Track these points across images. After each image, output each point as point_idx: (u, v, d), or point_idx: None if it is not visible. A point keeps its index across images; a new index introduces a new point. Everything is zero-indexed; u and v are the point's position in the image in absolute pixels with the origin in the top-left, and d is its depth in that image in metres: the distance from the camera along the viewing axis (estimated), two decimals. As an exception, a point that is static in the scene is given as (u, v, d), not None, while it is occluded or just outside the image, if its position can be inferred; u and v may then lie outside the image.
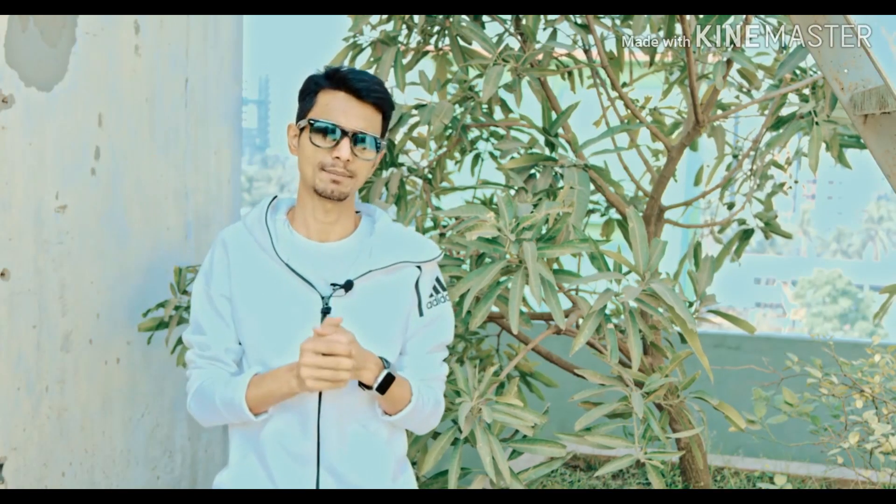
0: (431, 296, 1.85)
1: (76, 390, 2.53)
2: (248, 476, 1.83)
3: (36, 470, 2.38)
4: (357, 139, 1.74)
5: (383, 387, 1.72)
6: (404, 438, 1.94)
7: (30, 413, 2.35)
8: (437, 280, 1.88)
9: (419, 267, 1.84)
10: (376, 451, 1.84)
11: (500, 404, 2.27)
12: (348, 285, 1.75)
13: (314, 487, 1.80)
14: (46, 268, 2.38)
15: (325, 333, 1.64)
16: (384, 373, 1.72)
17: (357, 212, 1.90)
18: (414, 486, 1.96)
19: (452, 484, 2.28)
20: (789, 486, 2.73)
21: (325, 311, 1.77)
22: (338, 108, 1.74)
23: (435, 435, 2.36)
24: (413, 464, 2.63)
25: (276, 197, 1.89)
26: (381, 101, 1.77)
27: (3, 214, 2.21)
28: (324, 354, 1.63)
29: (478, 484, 2.35)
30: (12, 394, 2.28)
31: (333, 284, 1.77)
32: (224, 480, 1.86)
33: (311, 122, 1.75)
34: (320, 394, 1.78)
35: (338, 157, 1.73)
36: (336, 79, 1.76)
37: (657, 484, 2.29)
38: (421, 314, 1.83)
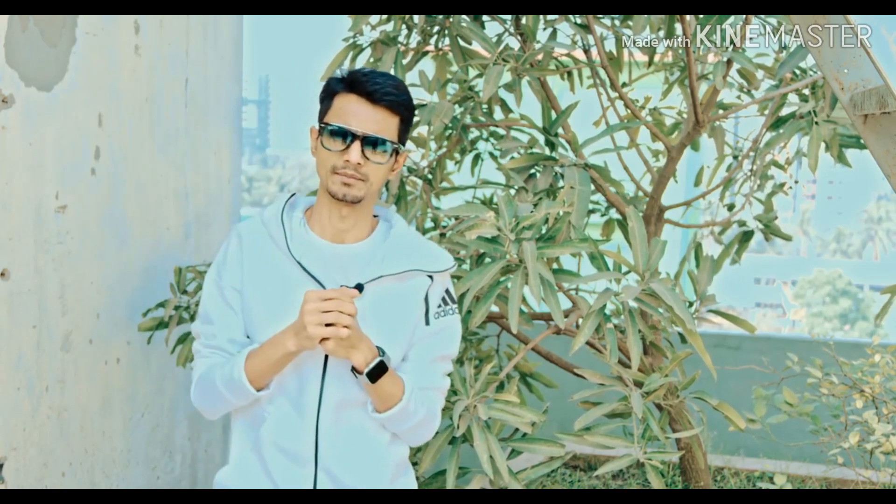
0: (440, 306, 1.85)
1: (76, 390, 2.53)
2: (247, 474, 1.83)
3: (36, 470, 2.38)
4: (368, 142, 1.74)
5: (374, 375, 1.71)
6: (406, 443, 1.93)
7: (30, 413, 2.35)
8: (448, 292, 1.87)
9: (430, 276, 1.83)
10: (375, 454, 1.84)
11: (497, 402, 2.27)
12: (359, 288, 1.75)
13: (311, 487, 1.80)
14: (46, 268, 2.38)
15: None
16: (377, 360, 1.71)
17: (375, 216, 1.90)
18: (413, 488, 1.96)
19: (451, 483, 2.28)
20: (789, 486, 2.73)
21: None
22: (350, 111, 1.74)
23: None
24: (413, 464, 2.64)
25: (293, 194, 1.90)
26: (395, 105, 1.76)
27: (3, 214, 2.21)
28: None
29: (476, 483, 2.35)
30: (12, 394, 2.28)
31: (343, 286, 1.77)
32: (225, 478, 1.87)
33: (323, 126, 1.76)
34: (321, 390, 1.78)
35: (348, 161, 1.73)
36: (349, 82, 1.76)
37: (657, 484, 2.29)
38: (427, 323, 1.83)
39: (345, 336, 1.65)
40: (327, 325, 1.65)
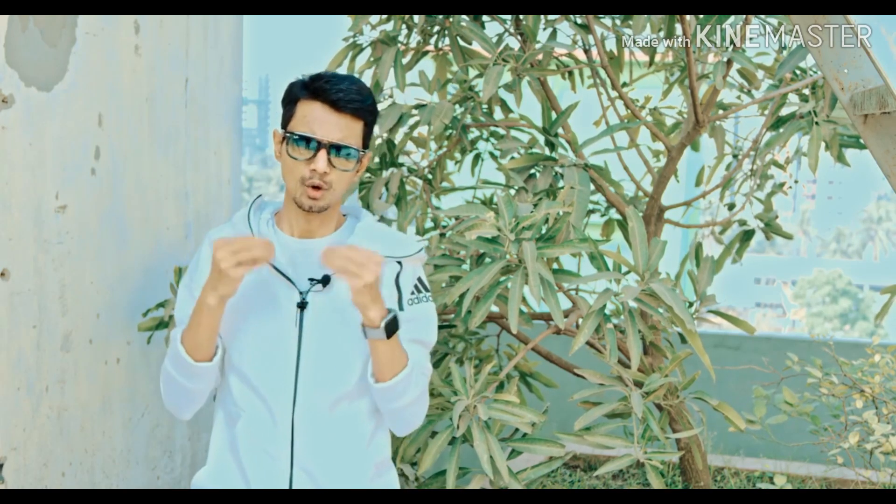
0: (413, 293, 1.85)
1: (76, 390, 2.53)
2: (223, 474, 1.84)
3: (36, 470, 2.38)
4: (334, 150, 1.74)
5: (391, 330, 1.69)
6: (387, 439, 1.91)
7: (30, 413, 2.35)
8: (420, 280, 1.87)
9: (399, 263, 1.84)
10: (354, 452, 1.83)
11: (497, 402, 2.27)
12: (325, 280, 1.77)
13: (287, 486, 1.79)
14: (46, 268, 2.38)
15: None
16: (391, 314, 1.70)
17: (345, 214, 1.92)
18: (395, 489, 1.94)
19: (451, 483, 2.28)
20: (789, 486, 2.73)
21: (302, 306, 1.77)
22: (315, 118, 1.74)
23: (433, 434, 2.36)
24: (413, 464, 2.64)
25: (260, 196, 1.90)
26: (359, 111, 1.76)
27: (3, 214, 2.21)
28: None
29: (476, 483, 2.35)
30: (12, 394, 2.28)
31: (311, 279, 1.78)
32: (201, 479, 1.88)
33: (288, 134, 1.76)
34: (295, 386, 1.77)
35: (314, 169, 1.73)
36: (313, 89, 1.75)
37: (657, 484, 2.29)
38: (401, 309, 1.83)
39: (255, 256, 1.63)
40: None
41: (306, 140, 1.73)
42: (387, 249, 1.82)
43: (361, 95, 1.76)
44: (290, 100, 1.79)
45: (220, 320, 1.73)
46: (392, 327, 1.70)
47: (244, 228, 1.83)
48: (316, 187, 1.74)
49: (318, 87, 1.75)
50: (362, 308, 1.67)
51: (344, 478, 1.81)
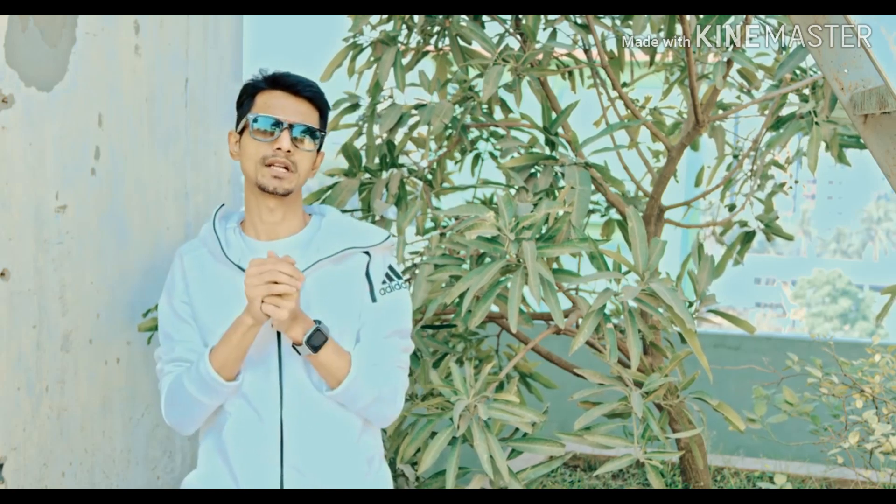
0: (384, 282, 1.86)
1: (76, 390, 2.53)
2: (212, 476, 1.84)
3: (36, 470, 2.38)
4: (296, 130, 1.80)
5: (313, 342, 1.72)
6: (378, 434, 1.92)
7: (30, 413, 2.35)
8: (391, 268, 1.89)
9: (368, 253, 1.85)
10: (344, 448, 1.83)
11: (497, 401, 2.27)
12: None
13: (278, 485, 1.79)
14: (46, 268, 2.38)
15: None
16: (313, 328, 1.72)
17: (310, 214, 1.94)
18: (388, 486, 1.94)
19: (451, 483, 2.28)
20: (789, 486, 2.73)
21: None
22: (276, 104, 1.82)
23: (433, 434, 2.36)
24: (413, 464, 2.64)
25: (222, 205, 1.93)
26: (316, 96, 1.85)
27: (3, 214, 2.21)
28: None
29: (476, 483, 2.35)
30: (12, 394, 2.28)
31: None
32: (191, 481, 1.89)
33: (252, 118, 1.80)
34: (280, 385, 1.78)
35: (279, 149, 1.78)
36: (271, 80, 1.85)
37: (657, 484, 2.29)
38: (374, 300, 1.84)
39: (281, 292, 1.66)
40: (277, 296, 1.67)
41: (270, 122, 1.79)
42: (353, 240, 1.84)
43: (316, 85, 1.87)
44: (249, 95, 1.86)
45: (251, 342, 1.75)
46: (315, 341, 1.72)
47: (212, 241, 1.84)
48: (283, 167, 1.78)
49: (276, 78, 1.85)
50: (283, 330, 1.71)
51: (335, 474, 1.82)
